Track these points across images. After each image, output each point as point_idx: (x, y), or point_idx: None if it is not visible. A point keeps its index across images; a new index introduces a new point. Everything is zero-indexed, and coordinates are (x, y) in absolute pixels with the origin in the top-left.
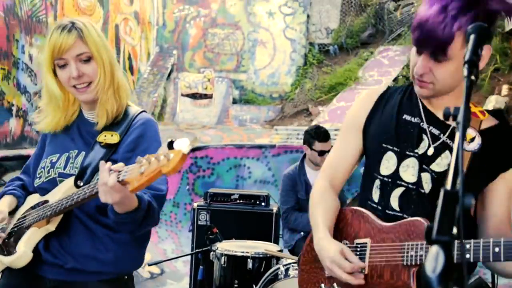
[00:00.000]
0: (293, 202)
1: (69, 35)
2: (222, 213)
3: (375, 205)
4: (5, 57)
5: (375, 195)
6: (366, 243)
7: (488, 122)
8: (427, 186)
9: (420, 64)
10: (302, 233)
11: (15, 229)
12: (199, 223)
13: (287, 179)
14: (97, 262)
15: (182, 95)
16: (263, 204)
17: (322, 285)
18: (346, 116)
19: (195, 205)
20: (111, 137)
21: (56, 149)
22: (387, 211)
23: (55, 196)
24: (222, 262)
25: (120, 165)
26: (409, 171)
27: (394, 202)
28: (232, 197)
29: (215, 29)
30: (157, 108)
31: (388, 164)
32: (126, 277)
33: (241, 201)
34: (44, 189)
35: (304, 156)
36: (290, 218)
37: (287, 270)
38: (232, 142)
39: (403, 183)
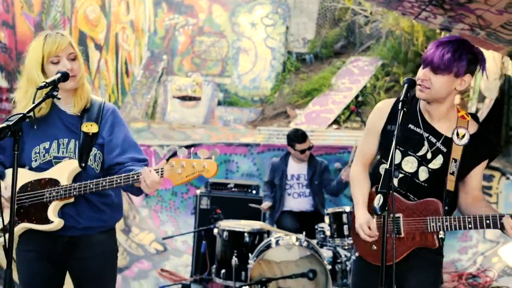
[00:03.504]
0: (270, 178)
1: (63, 39)
2: (220, 199)
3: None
4: None
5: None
6: (399, 217)
7: (472, 126)
8: (424, 175)
9: (422, 73)
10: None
11: (35, 201)
12: (201, 207)
13: (272, 165)
14: (100, 220)
15: (174, 97)
16: (254, 192)
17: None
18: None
19: (198, 192)
20: (91, 127)
21: (45, 138)
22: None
23: (62, 175)
24: (224, 237)
25: (158, 166)
26: (408, 165)
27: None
28: (229, 186)
29: (202, 37)
30: (150, 108)
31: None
32: (114, 227)
33: (235, 189)
34: (41, 168)
35: (289, 152)
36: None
37: (277, 241)
38: (219, 140)
39: (402, 171)
